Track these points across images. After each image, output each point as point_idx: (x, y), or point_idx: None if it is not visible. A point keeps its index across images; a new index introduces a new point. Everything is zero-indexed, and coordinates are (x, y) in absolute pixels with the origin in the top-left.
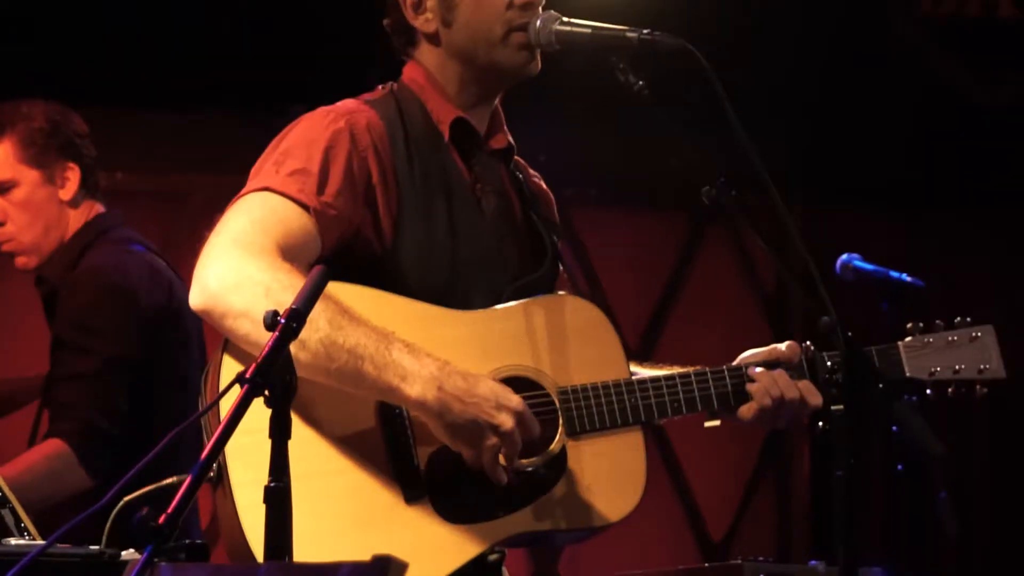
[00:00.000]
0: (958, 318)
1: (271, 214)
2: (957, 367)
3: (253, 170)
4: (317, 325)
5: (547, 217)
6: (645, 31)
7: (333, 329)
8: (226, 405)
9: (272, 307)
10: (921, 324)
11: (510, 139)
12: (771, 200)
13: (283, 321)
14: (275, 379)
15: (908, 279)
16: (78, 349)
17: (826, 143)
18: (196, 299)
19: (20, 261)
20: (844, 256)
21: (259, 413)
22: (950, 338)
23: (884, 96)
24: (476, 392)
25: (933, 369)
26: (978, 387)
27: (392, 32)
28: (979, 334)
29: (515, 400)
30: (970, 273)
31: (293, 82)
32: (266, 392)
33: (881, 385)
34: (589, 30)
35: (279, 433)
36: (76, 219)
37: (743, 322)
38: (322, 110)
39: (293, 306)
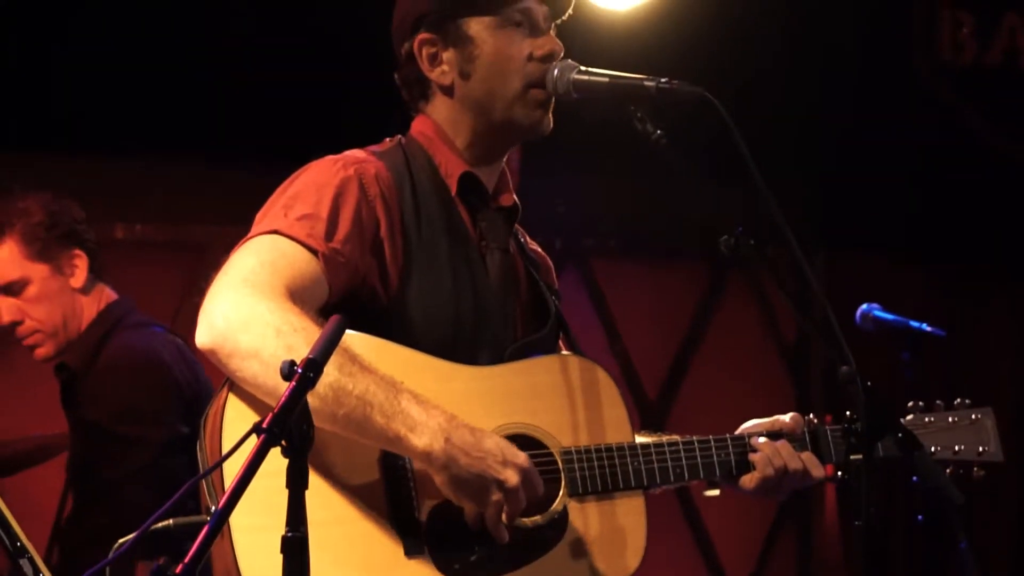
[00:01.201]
0: (958, 400)
1: (280, 257)
2: (957, 448)
3: (259, 214)
4: (327, 370)
5: (548, 282)
6: (663, 80)
7: (343, 375)
8: (229, 441)
9: (282, 349)
10: (922, 403)
11: (516, 199)
12: (790, 250)
13: (300, 371)
14: (292, 429)
15: (928, 328)
16: (128, 441)
17: (848, 190)
18: (203, 337)
19: (40, 352)
20: (864, 306)
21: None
22: (950, 419)
23: (907, 144)
24: (483, 447)
25: (933, 448)
26: (975, 469)
27: (404, 84)
28: (979, 416)
29: (521, 457)
30: (990, 323)
31: (313, 135)
32: (283, 442)
33: (901, 435)
34: (607, 79)
35: (296, 483)
36: (89, 306)
37: (764, 373)
38: (330, 158)
39: (310, 356)
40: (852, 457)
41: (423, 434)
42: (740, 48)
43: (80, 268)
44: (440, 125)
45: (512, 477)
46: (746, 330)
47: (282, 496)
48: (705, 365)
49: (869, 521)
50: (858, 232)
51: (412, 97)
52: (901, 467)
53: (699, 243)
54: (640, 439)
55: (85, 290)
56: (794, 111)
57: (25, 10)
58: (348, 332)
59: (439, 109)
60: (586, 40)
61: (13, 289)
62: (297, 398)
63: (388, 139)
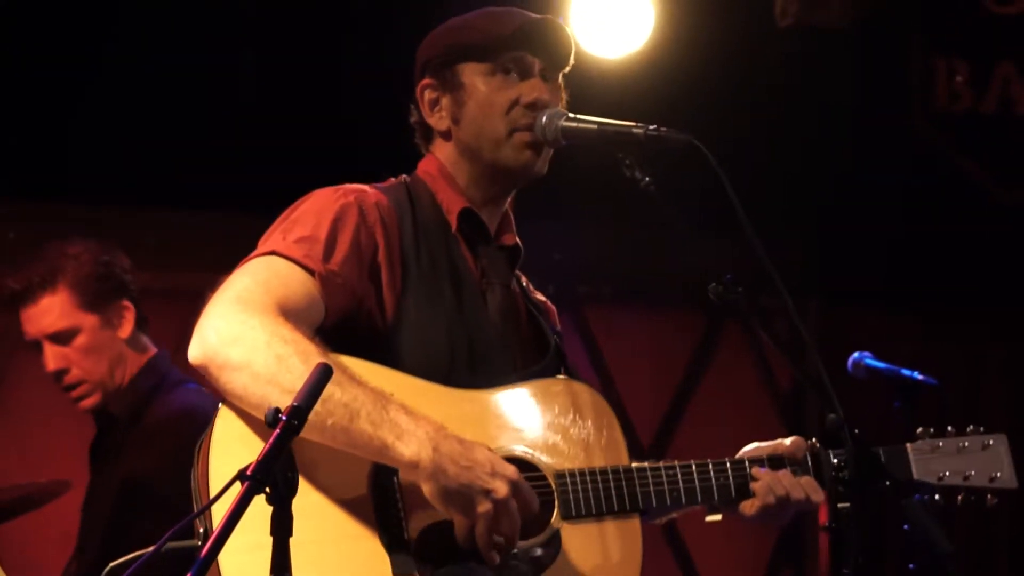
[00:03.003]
0: (971, 426)
1: (274, 276)
2: (967, 473)
3: (261, 240)
4: None
5: (551, 325)
6: (652, 127)
7: (332, 384)
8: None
9: (272, 359)
10: (932, 429)
11: (518, 241)
12: (780, 297)
13: (284, 418)
14: (277, 476)
15: (920, 377)
16: (170, 504)
17: (843, 238)
18: (195, 352)
19: (86, 403)
20: (856, 354)
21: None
22: (961, 444)
23: (902, 192)
24: (472, 456)
25: (942, 473)
26: (989, 496)
27: (413, 125)
28: (992, 442)
29: (511, 469)
30: (986, 371)
31: (311, 182)
32: (267, 490)
33: (888, 483)
34: (596, 126)
35: (280, 531)
36: (134, 357)
37: (758, 421)
38: (330, 188)
39: (294, 403)
40: (840, 505)
41: (411, 443)
42: (735, 96)
43: (128, 319)
44: (443, 164)
45: (501, 488)
46: (741, 378)
47: (267, 512)
48: (699, 413)
49: (858, 571)
50: (852, 279)
51: (422, 140)
52: (893, 514)
53: (694, 291)
54: (637, 464)
55: (132, 341)
56: (789, 158)
57: (27, 63)
58: (342, 356)
59: (441, 151)
60: (579, 87)
61: (61, 337)
62: (281, 446)
63: (393, 178)
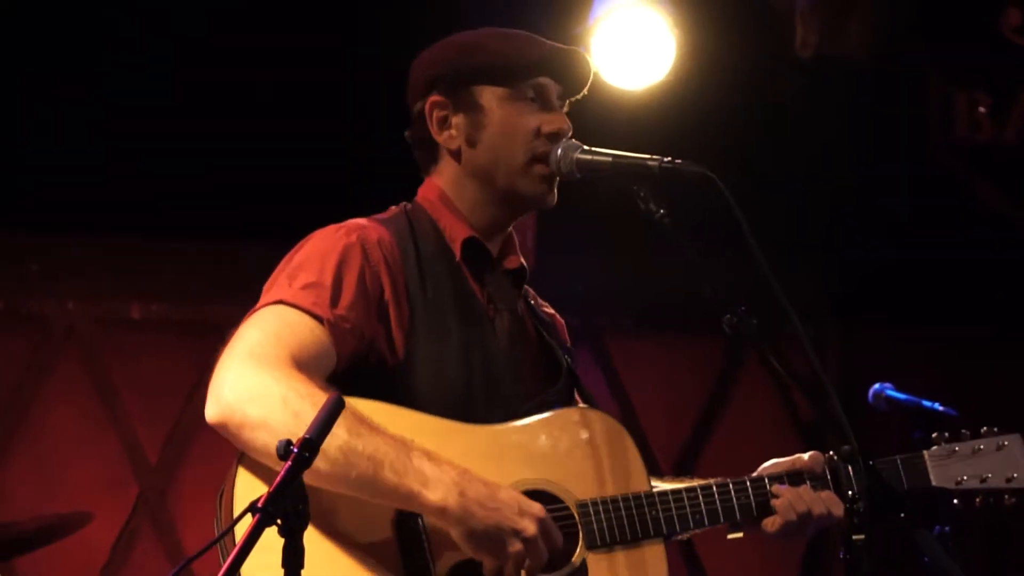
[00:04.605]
0: (984, 427)
1: (285, 327)
2: (984, 476)
3: (266, 286)
4: (335, 432)
5: (561, 341)
6: (666, 159)
7: (352, 436)
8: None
9: (290, 416)
10: (947, 434)
11: (523, 261)
12: (793, 327)
13: (296, 451)
14: (288, 509)
15: (940, 408)
16: None
17: (863, 266)
18: (212, 411)
19: None
20: (877, 385)
21: None
22: (977, 447)
23: (923, 220)
24: (498, 498)
25: (960, 478)
26: (1007, 497)
27: (414, 144)
28: (1007, 443)
29: (536, 507)
30: (1008, 399)
31: (327, 214)
32: (278, 521)
33: (904, 515)
34: (610, 159)
35: (291, 563)
36: None
37: (780, 451)
38: (332, 227)
39: (306, 436)
40: (855, 537)
41: (437, 489)
42: (754, 127)
43: None
44: (444, 190)
45: (529, 527)
46: (762, 408)
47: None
48: (721, 443)
49: None
50: (873, 307)
51: (421, 158)
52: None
53: (714, 321)
54: (657, 484)
55: None
56: (809, 187)
57: (42, 90)
58: (356, 399)
59: (445, 173)
60: (600, 119)
61: None
62: (292, 478)
63: (393, 207)
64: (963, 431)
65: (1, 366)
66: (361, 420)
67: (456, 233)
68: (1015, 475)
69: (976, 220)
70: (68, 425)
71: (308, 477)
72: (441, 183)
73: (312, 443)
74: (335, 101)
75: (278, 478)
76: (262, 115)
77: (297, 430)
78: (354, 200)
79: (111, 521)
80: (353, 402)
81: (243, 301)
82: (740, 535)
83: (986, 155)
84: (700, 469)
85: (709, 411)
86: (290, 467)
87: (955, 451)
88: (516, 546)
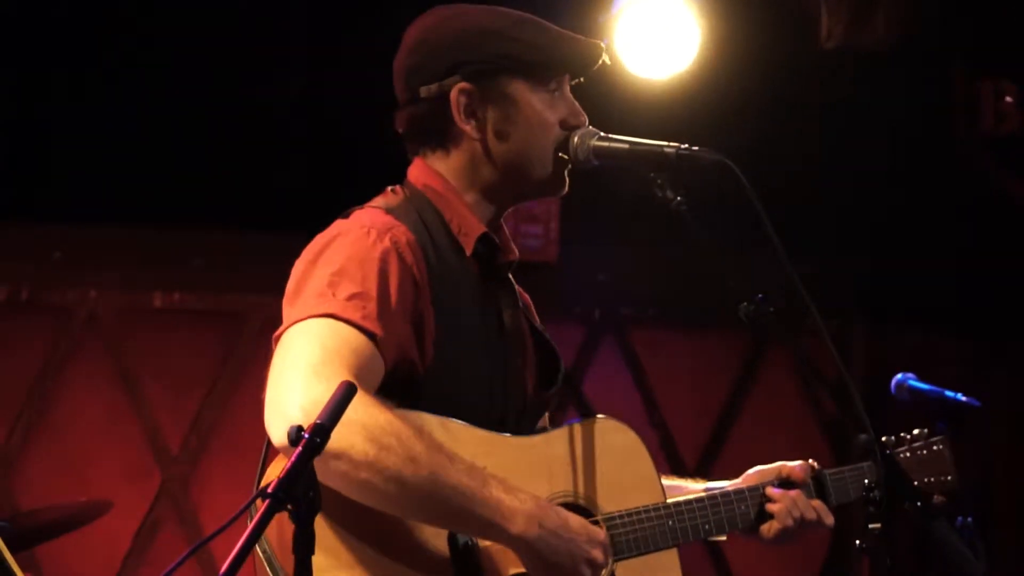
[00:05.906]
0: (916, 430)
1: (344, 344)
2: (927, 479)
3: (293, 285)
4: (419, 464)
5: (535, 320)
6: (684, 146)
7: (435, 468)
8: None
9: (374, 449)
10: (894, 438)
11: (515, 249)
12: (810, 317)
13: (307, 436)
14: (299, 495)
15: (964, 399)
16: None
17: (890, 262)
18: (280, 433)
19: None
20: (899, 376)
21: None
22: (918, 451)
23: (948, 214)
24: (570, 527)
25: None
26: (935, 496)
27: (413, 124)
28: (939, 447)
29: (602, 534)
30: None
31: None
32: (289, 507)
33: (920, 504)
34: (627, 145)
35: (302, 550)
36: None
37: (804, 444)
38: (358, 226)
39: (318, 421)
40: (871, 526)
41: (517, 521)
42: (781, 117)
43: None
44: (447, 178)
45: (600, 555)
46: (786, 399)
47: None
48: (744, 434)
49: None
50: (899, 302)
51: (418, 138)
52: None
53: (738, 312)
54: (666, 481)
55: None
56: (833, 180)
57: (64, 80)
58: (406, 412)
59: (452, 160)
60: (624, 109)
61: None
62: (304, 463)
63: (389, 189)
64: (902, 434)
65: (24, 355)
66: (438, 448)
67: (468, 227)
68: (947, 477)
69: (1006, 215)
70: (90, 414)
71: (389, 506)
72: (444, 169)
73: (324, 429)
74: (361, 92)
75: (288, 463)
76: (289, 106)
77: (378, 459)
78: (375, 189)
79: (133, 510)
80: (404, 414)
81: (265, 291)
82: (723, 537)
83: (1011, 147)
84: (723, 460)
85: (733, 401)
86: (301, 452)
87: (905, 457)
88: (587, 573)
